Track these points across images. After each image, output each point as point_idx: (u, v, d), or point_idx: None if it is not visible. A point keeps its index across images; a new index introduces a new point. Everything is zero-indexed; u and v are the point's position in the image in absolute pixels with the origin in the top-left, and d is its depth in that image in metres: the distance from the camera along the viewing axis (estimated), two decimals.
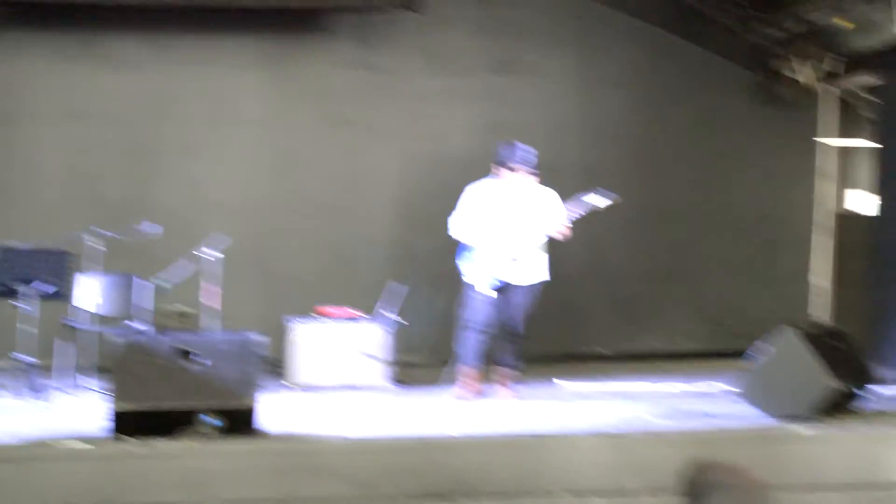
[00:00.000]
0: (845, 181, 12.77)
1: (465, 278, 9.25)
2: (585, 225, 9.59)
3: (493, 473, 7.14)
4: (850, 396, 8.46)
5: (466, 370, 9.30)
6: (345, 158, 11.77)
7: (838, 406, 8.27)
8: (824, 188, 12.67)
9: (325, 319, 10.06)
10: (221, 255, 9.80)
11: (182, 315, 9.58)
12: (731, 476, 3.56)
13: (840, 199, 12.77)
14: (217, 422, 7.00)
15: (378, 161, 11.82)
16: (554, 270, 9.55)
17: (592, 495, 7.25)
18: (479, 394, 9.28)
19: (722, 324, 11.79)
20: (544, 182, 9.29)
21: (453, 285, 9.48)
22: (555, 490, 7.17)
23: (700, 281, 12.06)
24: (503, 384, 9.35)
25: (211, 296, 9.66)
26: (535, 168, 9.20)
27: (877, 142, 12.48)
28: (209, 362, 7.18)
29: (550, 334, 11.03)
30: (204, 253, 9.78)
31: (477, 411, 8.74)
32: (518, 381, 9.46)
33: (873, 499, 7.58)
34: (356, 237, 11.76)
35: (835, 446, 7.77)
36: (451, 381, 9.44)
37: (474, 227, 9.20)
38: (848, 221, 12.67)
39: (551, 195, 9.26)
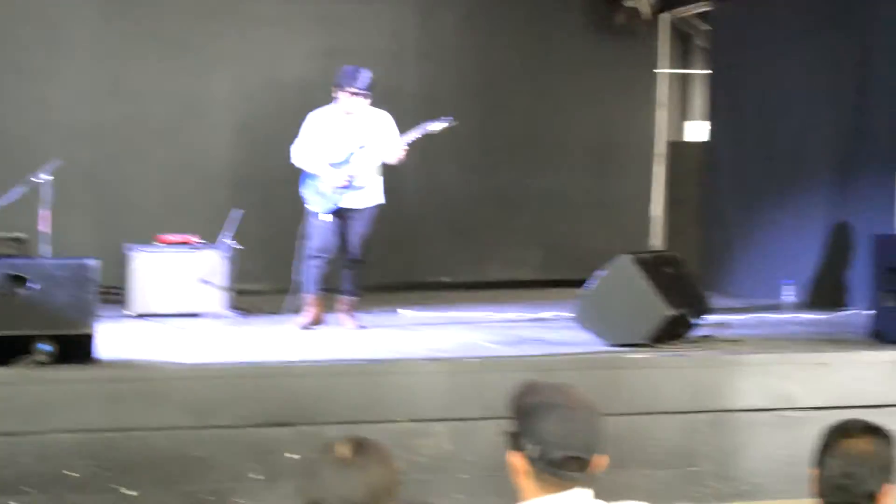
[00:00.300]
0: (680, 110, 13.00)
1: (307, 205, 9.24)
2: (426, 153, 9.65)
3: (334, 400, 7.19)
4: (684, 323, 8.67)
5: (308, 298, 9.31)
6: (182, 83, 11.62)
7: (672, 332, 8.46)
8: (660, 117, 12.87)
9: (165, 247, 9.96)
10: (52, 179, 9.61)
11: (15, 240, 9.43)
12: (557, 396, 3.63)
13: (675, 127, 13.00)
14: (50, 348, 6.92)
15: (216, 86, 11.70)
16: (396, 200, 9.60)
17: (433, 421, 7.34)
18: (321, 321, 9.30)
19: (559, 251, 11.92)
20: (381, 106, 9.28)
21: (294, 212, 9.45)
22: (395, 417, 7.25)
23: (540, 210, 12.19)
24: (345, 312, 9.38)
25: (44, 221, 9.50)
26: (372, 92, 9.17)
27: (709, 70, 12.73)
28: (39, 287, 7.08)
29: (394, 264, 11.11)
30: (37, 177, 9.59)
31: (319, 339, 8.78)
32: (360, 308, 9.50)
33: (705, 423, 7.81)
34: (195, 163, 11.65)
35: (667, 372, 7.96)
36: (292, 308, 9.45)
37: (315, 153, 9.16)
38: (681, 150, 12.93)
39: (387, 119, 9.26)
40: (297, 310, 9.35)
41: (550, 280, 11.44)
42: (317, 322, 9.26)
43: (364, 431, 3.90)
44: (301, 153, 9.18)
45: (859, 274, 10.16)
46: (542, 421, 3.53)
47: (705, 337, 8.85)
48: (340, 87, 9.13)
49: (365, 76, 9.12)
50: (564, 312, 9.48)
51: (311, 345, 8.45)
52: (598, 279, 8.70)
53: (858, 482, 4.02)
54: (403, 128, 9.14)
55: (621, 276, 8.58)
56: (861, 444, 4.10)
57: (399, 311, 10.20)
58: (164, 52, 11.57)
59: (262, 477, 6.84)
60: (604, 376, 7.72)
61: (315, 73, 10.79)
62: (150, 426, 6.79)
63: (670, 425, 7.76)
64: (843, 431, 4.18)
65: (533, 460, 3.51)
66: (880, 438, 4.16)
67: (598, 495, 3.60)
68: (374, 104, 9.20)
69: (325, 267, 9.26)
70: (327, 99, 9.27)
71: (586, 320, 8.67)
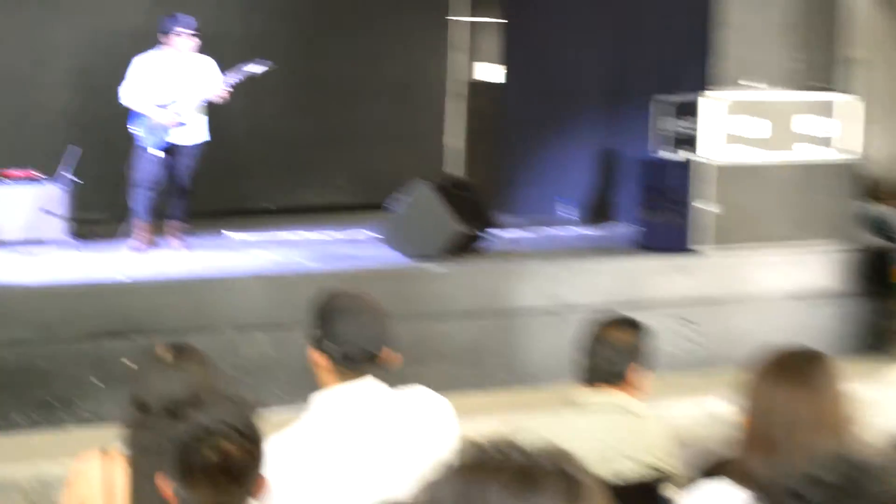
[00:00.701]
0: (475, 53, 13.10)
1: (137, 141, 9.15)
2: (251, 93, 9.62)
3: (164, 313, 7.22)
4: (475, 239, 8.86)
5: (141, 224, 9.25)
6: (24, 30, 11.28)
7: (464, 247, 8.65)
8: (457, 59, 12.98)
9: (10, 181, 9.77)
10: None
11: None
12: (350, 302, 3.75)
13: (471, 69, 13.11)
14: None
15: (55, 33, 11.37)
16: (222, 132, 9.57)
17: (254, 330, 7.42)
18: (153, 245, 9.25)
19: (367, 179, 11.92)
20: (205, 51, 9.22)
21: (128, 148, 9.35)
22: (220, 326, 7.30)
23: (350, 142, 12.17)
24: (175, 236, 9.35)
25: None
26: (196, 37, 9.10)
27: (502, 18, 12.86)
28: None
29: (221, 191, 10.99)
30: None
31: (151, 260, 8.74)
32: (188, 232, 9.46)
33: (492, 323, 8.04)
34: (37, 105, 11.33)
35: (461, 281, 8.16)
36: (127, 234, 9.36)
37: (142, 94, 9.07)
38: (478, 89, 13.05)
39: (210, 63, 9.20)
40: (131, 235, 9.27)
41: (360, 204, 11.44)
42: (149, 245, 9.20)
43: (193, 340, 3.97)
44: (129, 94, 9.08)
45: (626, 193, 10.44)
46: (338, 323, 3.66)
47: (493, 250, 9.06)
48: (172, 31, 9.04)
49: (187, 22, 9.05)
50: (371, 232, 9.60)
51: (145, 265, 8.40)
52: (401, 202, 8.83)
53: (614, 364, 4.27)
54: (226, 71, 9.12)
55: (421, 200, 8.72)
56: (618, 334, 4.35)
57: (225, 233, 10.17)
58: (6, 2, 11.21)
59: (101, 384, 6.85)
60: (406, 286, 7.88)
61: (146, 22, 10.57)
62: None
63: (463, 326, 7.96)
64: (605, 324, 4.43)
65: (331, 356, 3.64)
66: (633, 329, 4.42)
67: (396, 385, 3.75)
68: (199, 50, 9.14)
69: (156, 197, 9.20)
70: (157, 45, 9.17)
71: (391, 239, 8.80)
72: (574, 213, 11.18)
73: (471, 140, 12.94)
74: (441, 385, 4.11)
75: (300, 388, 3.83)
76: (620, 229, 10.26)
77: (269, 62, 9.19)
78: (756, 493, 2.03)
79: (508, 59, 12.76)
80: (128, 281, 7.52)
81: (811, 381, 3.20)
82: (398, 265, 8.40)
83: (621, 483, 4.04)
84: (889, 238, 9.61)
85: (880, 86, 10.03)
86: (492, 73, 13.02)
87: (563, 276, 8.28)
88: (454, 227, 8.49)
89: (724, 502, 3.06)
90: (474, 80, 13.08)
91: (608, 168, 11.06)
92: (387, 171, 11.28)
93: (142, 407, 3.51)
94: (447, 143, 12.86)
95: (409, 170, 10.15)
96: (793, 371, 3.25)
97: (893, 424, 4.35)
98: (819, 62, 9.66)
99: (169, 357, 3.55)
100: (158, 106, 9.03)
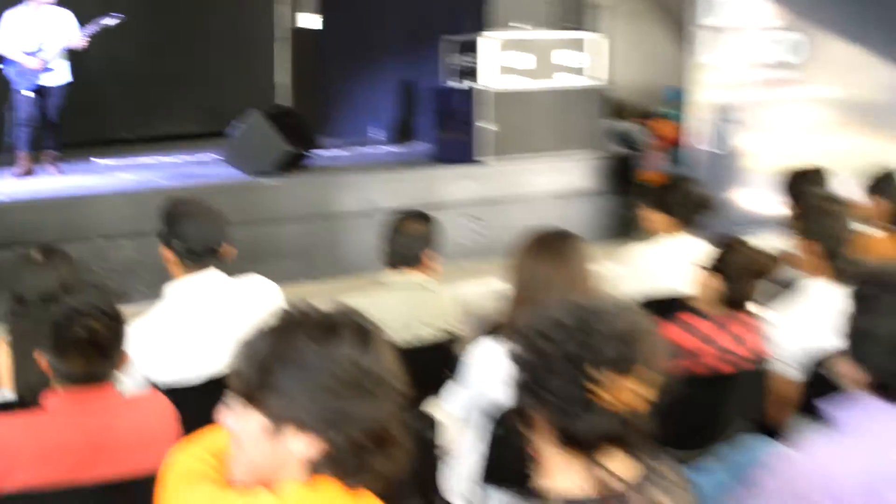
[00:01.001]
0: (297, 5, 12.88)
1: (13, 85, 8.75)
2: (109, 40, 9.30)
3: (44, 227, 7.02)
4: (301, 157, 8.81)
5: (20, 154, 8.87)
6: None
7: (293, 164, 8.59)
8: (282, 11, 12.74)
9: None
10: None
11: None
12: (192, 206, 3.71)
13: (294, 18, 12.89)
14: None
15: None
16: (86, 74, 9.25)
17: (119, 238, 7.27)
18: (31, 172, 8.89)
19: (211, 110, 11.61)
20: (65, 4, 8.84)
21: (5, 91, 8.93)
22: (91, 236, 7.13)
23: (196, 80, 11.84)
24: (50, 163, 9.00)
25: None
26: None
27: None
28: None
29: (87, 124, 10.57)
30: None
31: (30, 184, 8.41)
32: (61, 160, 9.12)
33: (319, 225, 8.04)
34: None
35: (292, 192, 8.13)
36: (8, 164, 8.98)
37: (13, 43, 8.66)
38: (301, 35, 12.85)
39: (69, 15, 8.81)
40: (12, 164, 8.90)
41: (204, 132, 11.16)
42: (28, 173, 8.85)
43: (68, 248, 3.85)
44: (1, 44, 8.65)
45: (423, 116, 10.49)
46: (181, 224, 3.62)
47: (317, 166, 9.02)
48: None
49: None
50: (215, 155, 9.45)
51: (25, 188, 8.09)
52: (239, 129, 8.70)
53: (411, 249, 4.32)
54: (84, 22, 8.77)
55: (255, 126, 8.61)
56: (413, 225, 4.39)
57: (92, 159, 9.85)
58: None
59: None
60: (246, 198, 7.83)
61: None
62: None
63: (294, 228, 7.95)
64: (402, 218, 4.47)
65: (178, 252, 3.60)
66: (425, 221, 4.47)
67: (234, 276, 3.73)
68: (58, 3, 8.77)
69: (32, 131, 8.84)
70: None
71: (231, 159, 8.69)
72: (382, 135, 11.20)
73: (296, 77, 12.78)
74: (278, 277, 4.10)
75: (160, 284, 3.78)
76: (420, 146, 10.33)
77: (121, 15, 8.88)
78: (516, 339, 2.10)
79: (324, 9, 12.60)
80: (10, 200, 7.25)
81: (563, 252, 3.32)
82: (238, 180, 8.31)
83: (420, 344, 4.12)
84: (631, 147, 9.92)
85: (622, 27, 10.26)
86: (311, 21, 12.84)
87: (374, 185, 8.32)
88: (284, 147, 8.43)
89: (495, 352, 3.16)
90: (297, 27, 12.88)
91: (409, 97, 11.08)
92: (226, 104, 11.04)
93: (19, 300, 3.43)
94: (277, 79, 12.67)
95: (246, 102, 9.96)
96: (549, 245, 3.36)
97: (632, 292, 4.54)
98: (572, 7, 9.84)
99: (40, 257, 3.46)
100: (27, 53, 8.64)
